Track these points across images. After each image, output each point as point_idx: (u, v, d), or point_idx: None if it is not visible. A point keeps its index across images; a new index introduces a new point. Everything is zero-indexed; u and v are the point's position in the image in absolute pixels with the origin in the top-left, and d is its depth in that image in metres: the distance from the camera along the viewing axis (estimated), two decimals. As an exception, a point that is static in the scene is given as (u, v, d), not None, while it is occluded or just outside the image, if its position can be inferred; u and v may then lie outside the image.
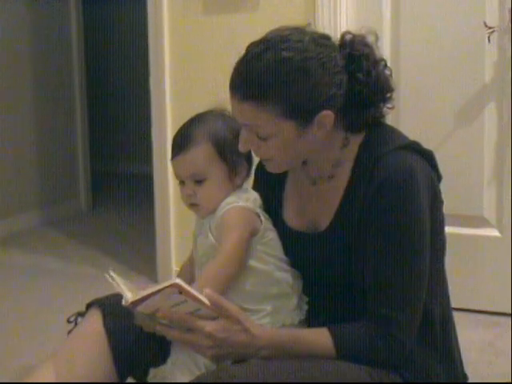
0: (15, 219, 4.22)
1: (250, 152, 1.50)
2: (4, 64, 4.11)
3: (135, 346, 1.55)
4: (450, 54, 2.66)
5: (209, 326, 1.30)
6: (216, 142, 1.52)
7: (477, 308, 2.72)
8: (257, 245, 1.49)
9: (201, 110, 1.60)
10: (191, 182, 1.52)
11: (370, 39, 1.47)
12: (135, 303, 1.30)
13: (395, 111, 1.60)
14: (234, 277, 1.44)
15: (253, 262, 1.48)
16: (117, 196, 5.22)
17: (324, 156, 1.48)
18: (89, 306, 1.61)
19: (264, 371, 1.29)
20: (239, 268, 1.44)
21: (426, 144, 1.48)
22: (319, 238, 1.49)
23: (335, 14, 2.73)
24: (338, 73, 1.39)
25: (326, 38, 1.43)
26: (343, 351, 1.37)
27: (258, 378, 1.27)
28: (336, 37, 1.47)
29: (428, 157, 1.46)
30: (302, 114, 1.37)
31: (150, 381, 1.54)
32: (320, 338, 1.38)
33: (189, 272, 1.65)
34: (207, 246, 1.52)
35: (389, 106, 1.49)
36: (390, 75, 1.48)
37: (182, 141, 1.53)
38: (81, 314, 1.63)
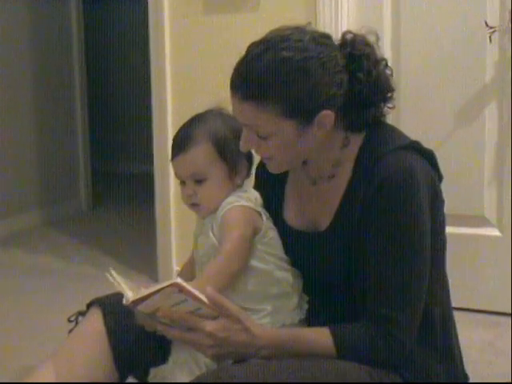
0: (15, 219, 4.23)
1: (250, 151, 1.50)
2: (4, 64, 4.11)
3: (136, 345, 1.55)
4: (451, 53, 2.66)
5: (209, 326, 1.31)
6: (216, 141, 1.52)
7: (477, 308, 2.72)
8: (257, 244, 1.49)
9: (201, 109, 1.60)
10: (192, 181, 1.52)
11: (371, 39, 1.47)
12: (136, 302, 1.30)
13: (396, 111, 1.60)
14: (235, 275, 1.44)
15: (253, 262, 1.48)
16: (117, 196, 5.22)
17: (324, 156, 1.48)
18: (89, 306, 1.61)
19: (264, 371, 1.29)
20: (241, 267, 1.44)
21: (427, 144, 1.48)
22: (319, 238, 1.49)
23: (336, 14, 2.73)
24: (338, 72, 1.38)
25: (327, 37, 1.43)
26: (343, 351, 1.37)
27: (258, 378, 1.27)
28: (337, 36, 1.47)
29: (428, 156, 1.46)
30: (302, 113, 1.37)
31: (150, 380, 1.54)
32: (320, 337, 1.38)
33: (190, 272, 1.65)
34: (208, 246, 1.52)
35: (389, 105, 1.49)
36: (391, 75, 1.48)
37: (182, 141, 1.53)
38: (81, 314, 1.63)
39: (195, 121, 1.56)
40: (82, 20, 4.71)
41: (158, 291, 1.26)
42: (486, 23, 2.55)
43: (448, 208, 1.50)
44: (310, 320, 1.51)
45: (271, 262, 1.50)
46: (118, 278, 1.38)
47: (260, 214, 1.52)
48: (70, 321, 1.64)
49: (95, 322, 1.56)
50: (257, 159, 1.56)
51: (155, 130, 3.12)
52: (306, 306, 1.52)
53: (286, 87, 1.35)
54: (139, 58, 5.24)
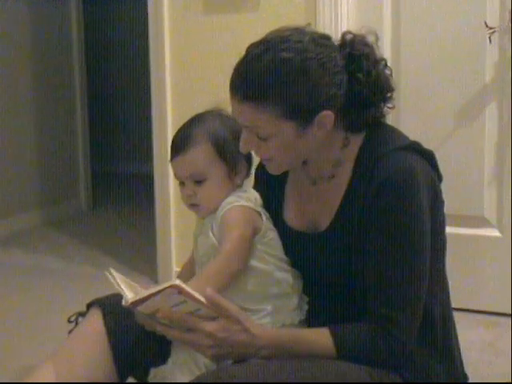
0: (16, 219, 4.23)
1: (249, 152, 1.50)
2: (4, 64, 4.11)
3: (135, 345, 1.55)
4: (451, 54, 2.66)
5: (209, 326, 1.31)
6: (215, 141, 1.52)
7: (477, 308, 2.72)
8: (258, 244, 1.49)
9: (201, 109, 1.60)
10: (191, 182, 1.52)
11: (370, 39, 1.47)
12: (135, 304, 1.30)
13: (395, 111, 1.60)
14: (235, 275, 1.44)
15: (253, 262, 1.48)
16: (117, 196, 5.22)
17: (324, 156, 1.48)
18: (89, 306, 1.61)
19: (264, 371, 1.29)
20: (240, 267, 1.44)
21: (427, 144, 1.48)
22: (319, 238, 1.49)
23: (336, 14, 2.73)
24: (337, 73, 1.39)
25: (326, 38, 1.43)
26: (343, 351, 1.37)
27: (258, 378, 1.27)
28: (337, 37, 1.47)
29: (428, 157, 1.46)
30: (302, 114, 1.37)
31: (150, 381, 1.54)
32: (320, 337, 1.38)
33: (190, 272, 1.65)
34: (208, 246, 1.52)
35: (389, 105, 1.49)
36: (391, 75, 1.48)
37: (181, 141, 1.53)
38: (81, 314, 1.63)
39: (194, 121, 1.56)
40: (82, 20, 4.71)
41: (157, 293, 1.26)
42: (485, 24, 2.55)
43: (448, 208, 1.50)
44: (310, 321, 1.51)
45: (271, 262, 1.50)
46: (118, 278, 1.38)
47: (260, 214, 1.52)
48: (69, 321, 1.64)
49: (95, 322, 1.56)
50: (256, 160, 1.56)
51: (155, 130, 3.12)
52: (306, 307, 1.52)
53: (286, 88, 1.35)
54: (139, 58, 5.24)
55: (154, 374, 1.53)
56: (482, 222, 2.71)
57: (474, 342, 2.45)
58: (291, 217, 1.56)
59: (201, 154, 1.51)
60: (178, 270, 1.91)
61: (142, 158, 5.61)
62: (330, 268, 1.47)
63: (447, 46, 2.66)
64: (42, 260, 3.66)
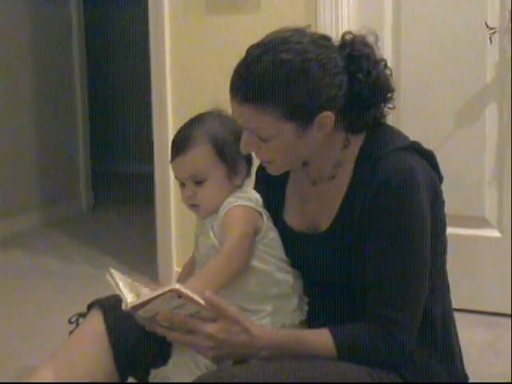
0: (16, 219, 4.22)
1: (249, 153, 1.50)
2: (4, 64, 4.11)
3: (136, 346, 1.55)
4: (451, 54, 2.66)
5: (209, 328, 1.31)
6: (215, 142, 1.52)
7: (477, 309, 2.72)
8: (259, 244, 1.49)
9: (202, 110, 1.60)
10: (191, 183, 1.53)
11: (370, 39, 1.47)
12: (135, 308, 1.29)
13: (396, 111, 1.60)
14: (236, 274, 1.44)
15: (254, 262, 1.48)
16: (117, 196, 5.22)
17: (325, 157, 1.48)
18: (90, 307, 1.61)
19: (264, 371, 1.29)
20: (242, 265, 1.44)
21: (427, 144, 1.48)
22: (320, 239, 1.49)
23: (336, 15, 2.73)
24: (338, 74, 1.39)
25: (326, 39, 1.43)
26: (344, 351, 1.37)
27: (258, 378, 1.27)
28: (337, 38, 1.47)
29: (429, 157, 1.46)
30: (302, 115, 1.37)
31: (150, 381, 1.54)
32: (321, 338, 1.38)
33: (190, 273, 1.65)
34: (208, 247, 1.52)
35: (389, 106, 1.49)
36: (391, 75, 1.48)
37: (181, 142, 1.53)
38: (82, 315, 1.63)
39: (194, 122, 1.56)
40: (83, 20, 4.71)
41: (157, 297, 1.26)
42: (486, 24, 2.55)
43: (448, 209, 1.50)
44: (310, 321, 1.51)
45: (272, 262, 1.50)
46: (118, 278, 1.38)
47: (261, 214, 1.52)
48: (70, 322, 1.64)
49: (96, 323, 1.56)
50: (257, 160, 1.56)
51: (155, 130, 3.12)
52: (306, 308, 1.52)
53: (286, 89, 1.35)
54: (139, 59, 5.23)
55: (155, 374, 1.53)
56: (483, 223, 2.71)
57: (474, 342, 2.45)
58: (291, 217, 1.56)
59: (201, 155, 1.51)
60: (179, 270, 1.92)
61: (143, 158, 5.61)
62: (330, 268, 1.47)
63: (447, 47, 2.66)
64: (42, 260, 3.66)
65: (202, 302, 1.29)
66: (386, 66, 1.47)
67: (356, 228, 1.42)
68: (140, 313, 1.31)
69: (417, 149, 1.45)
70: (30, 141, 4.33)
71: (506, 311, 2.68)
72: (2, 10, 4.06)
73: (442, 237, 1.48)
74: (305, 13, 2.78)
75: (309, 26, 1.45)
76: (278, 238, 1.53)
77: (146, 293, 1.35)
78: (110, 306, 1.55)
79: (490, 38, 2.56)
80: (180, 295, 1.26)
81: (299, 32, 1.40)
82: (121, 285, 1.37)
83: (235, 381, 1.26)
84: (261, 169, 1.62)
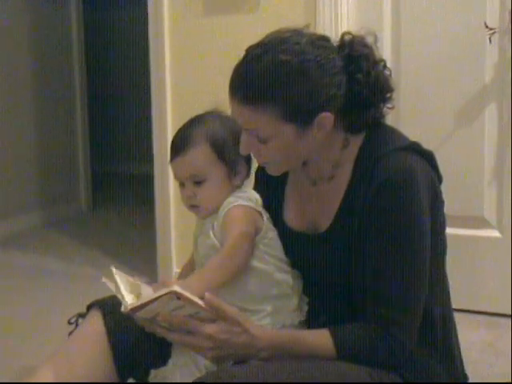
0: (15, 220, 4.23)
1: (249, 153, 1.50)
2: (4, 64, 4.11)
3: (136, 346, 1.55)
4: (451, 54, 2.66)
5: (209, 328, 1.31)
6: (214, 142, 1.52)
7: (477, 309, 2.72)
8: (259, 244, 1.49)
9: (201, 110, 1.60)
10: (191, 183, 1.53)
11: (370, 40, 1.47)
12: (134, 310, 1.29)
13: (395, 111, 1.60)
14: (236, 272, 1.43)
15: (254, 262, 1.48)
16: (117, 197, 5.22)
17: (324, 157, 1.48)
18: (89, 307, 1.61)
19: (264, 371, 1.29)
20: (242, 263, 1.44)
21: (426, 144, 1.48)
22: (319, 239, 1.49)
23: (336, 15, 2.73)
24: (336, 74, 1.39)
25: (325, 39, 1.43)
26: (343, 352, 1.37)
27: (258, 378, 1.27)
28: (337, 38, 1.47)
29: (428, 157, 1.46)
30: (301, 116, 1.37)
31: (150, 381, 1.54)
32: (320, 338, 1.38)
33: (189, 273, 1.65)
34: (208, 247, 1.52)
35: (389, 106, 1.49)
36: (390, 75, 1.48)
37: (181, 142, 1.53)
38: (81, 315, 1.63)
39: (194, 122, 1.56)
40: (82, 20, 4.72)
41: (156, 299, 1.26)
42: (485, 24, 2.55)
43: (447, 209, 1.50)
44: (310, 321, 1.51)
45: (271, 262, 1.50)
46: (118, 278, 1.38)
47: (261, 214, 1.52)
48: (70, 323, 1.64)
49: (95, 323, 1.56)
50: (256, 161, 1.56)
51: (155, 130, 3.12)
52: (306, 308, 1.52)
53: (285, 90, 1.35)
54: (139, 59, 5.23)
55: (155, 375, 1.53)
56: (482, 223, 2.71)
57: (474, 342, 2.45)
58: (291, 217, 1.56)
59: (200, 155, 1.51)
60: (178, 270, 1.91)
61: (142, 159, 5.61)
62: (330, 268, 1.47)
63: (447, 47, 2.66)
64: (41, 261, 3.66)
65: (201, 303, 1.29)
66: (385, 66, 1.47)
67: (356, 228, 1.42)
68: (140, 314, 1.31)
69: (416, 149, 1.45)
70: (30, 141, 4.34)
71: (506, 311, 2.68)
72: (2, 10, 4.06)
73: (442, 237, 1.49)
74: (304, 13, 2.78)
75: (308, 25, 1.45)
76: (277, 238, 1.53)
77: (147, 293, 1.35)
78: (110, 307, 1.55)
79: (490, 38, 2.56)
80: (179, 297, 1.26)
81: (298, 32, 1.40)
82: (121, 286, 1.37)
83: (235, 381, 1.26)
84: (260, 169, 1.62)
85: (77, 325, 1.62)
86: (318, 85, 1.36)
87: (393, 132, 1.50)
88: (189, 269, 1.68)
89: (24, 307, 2.94)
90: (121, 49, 6.00)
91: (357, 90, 1.42)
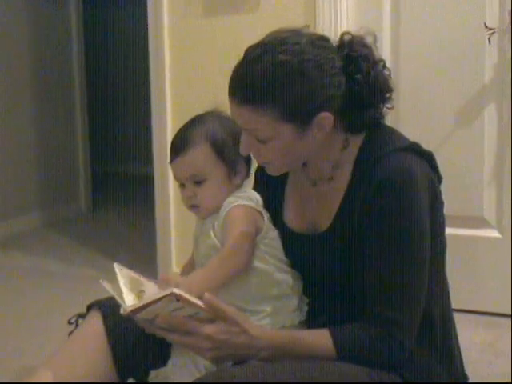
0: (15, 221, 4.23)
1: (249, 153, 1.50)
2: (4, 64, 4.11)
3: (135, 347, 1.55)
4: (450, 54, 2.66)
5: (208, 329, 1.30)
6: (214, 142, 1.52)
7: (477, 309, 2.72)
8: (259, 244, 1.49)
9: (201, 110, 1.60)
10: (191, 183, 1.53)
11: (369, 40, 1.47)
12: (134, 312, 1.30)
13: (395, 112, 1.60)
14: (236, 273, 1.43)
15: (254, 262, 1.47)
16: (117, 197, 5.22)
17: (324, 157, 1.48)
18: (89, 308, 1.61)
19: (264, 371, 1.29)
20: (242, 263, 1.43)
21: (426, 145, 1.48)
22: (319, 239, 1.49)
23: (335, 15, 2.73)
24: (336, 74, 1.38)
25: (324, 39, 1.43)
26: (343, 352, 1.37)
27: (258, 378, 1.27)
28: (336, 38, 1.47)
29: (428, 158, 1.46)
30: (300, 116, 1.37)
31: (150, 381, 1.54)
32: (320, 339, 1.38)
33: (190, 273, 1.65)
34: (209, 247, 1.52)
35: (388, 106, 1.49)
36: (389, 75, 1.48)
37: (181, 143, 1.53)
38: (81, 316, 1.63)
39: (194, 123, 1.57)
40: (82, 20, 4.72)
41: (156, 301, 1.26)
42: (485, 25, 2.55)
43: (447, 209, 1.50)
44: (310, 322, 1.51)
45: (271, 263, 1.50)
46: (120, 275, 1.38)
47: (261, 214, 1.52)
48: (70, 323, 1.64)
49: (95, 323, 1.56)
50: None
51: (155, 131, 3.12)
52: (305, 308, 1.52)
53: (284, 90, 1.35)
54: (139, 59, 5.23)
55: (154, 375, 1.53)
56: (482, 223, 2.71)
57: (474, 342, 2.45)
58: (291, 218, 1.56)
59: (200, 155, 1.51)
60: (178, 271, 1.91)
61: (142, 159, 5.61)
62: (330, 269, 1.47)
63: (447, 47, 2.66)
64: (41, 262, 3.66)
65: (200, 303, 1.29)
66: (384, 66, 1.47)
67: (355, 228, 1.42)
68: (139, 316, 1.31)
69: (416, 149, 1.45)
70: (30, 141, 4.34)
71: (506, 311, 2.68)
72: (2, 10, 4.06)
73: (441, 237, 1.49)
74: (304, 13, 2.78)
75: (307, 26, 1.45)
76: (277, 239, 1.53)
77: (149, 290, 1.35)
78: (110, 307, 1.55)
79: (489, 38, 2.56)
80: (178, 298, 1.26)
81: (297, 33, 1.40)
82: (121, 282, 1.37)
83: (235, 381, 1.25)
84: (260, 169, 1.62)
85: (77, 325, 1.62)
86: (318, 85, 1.36)
87: (392, 132, 1.50)
88: (189, 269, 1.68)
89: (24, 308, 2.94)
90: (121, 49, 6.00)
91: (356, 90, 1.42)
